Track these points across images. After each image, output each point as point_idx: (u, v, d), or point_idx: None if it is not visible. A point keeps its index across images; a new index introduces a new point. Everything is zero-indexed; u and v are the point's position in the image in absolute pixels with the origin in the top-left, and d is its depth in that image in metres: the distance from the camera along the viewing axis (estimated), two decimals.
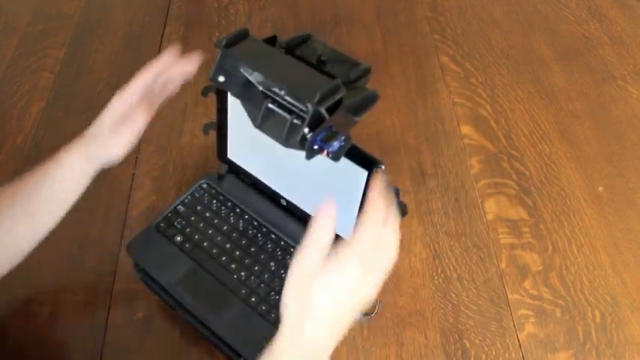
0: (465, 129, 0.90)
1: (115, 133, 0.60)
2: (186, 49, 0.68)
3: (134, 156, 0.85)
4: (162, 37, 1.06)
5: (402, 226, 0.78)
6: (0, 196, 0.59)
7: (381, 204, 0.48)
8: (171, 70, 0.61)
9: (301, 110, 0.52)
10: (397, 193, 0.59)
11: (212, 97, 0.68)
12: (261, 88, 0.55)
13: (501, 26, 1.08)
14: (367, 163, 0.57)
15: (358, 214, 0.60)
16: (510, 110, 0.93)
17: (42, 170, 0.60)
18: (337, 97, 0.50)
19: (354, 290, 0.46)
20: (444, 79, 0.98)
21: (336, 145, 0.52)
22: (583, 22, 1.08)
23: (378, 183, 0.49)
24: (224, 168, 0.74)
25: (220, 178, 0.74)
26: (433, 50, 1.03)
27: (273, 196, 0.70)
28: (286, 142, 0.53)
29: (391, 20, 1.09)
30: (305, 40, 0.59)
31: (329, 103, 0.50)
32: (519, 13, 1.10)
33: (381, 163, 0.56)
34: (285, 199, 0.69)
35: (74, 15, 1.10)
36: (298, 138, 0.51)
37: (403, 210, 0.59)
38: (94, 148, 0.61)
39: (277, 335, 0.45)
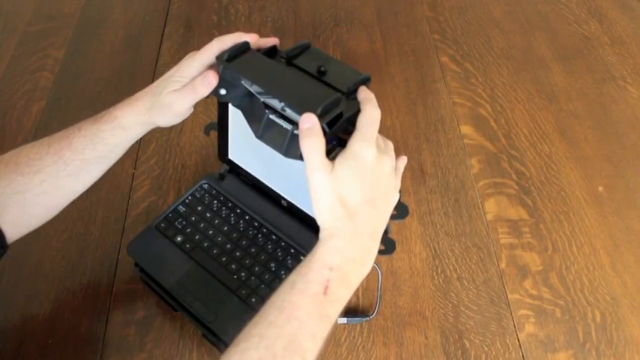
0: (465, 129, 0.90)
1: (171, 108, 0.58)
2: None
3: (134, 156, 0.85)
4: (162, 37, 1.06)
5: (402, 226, 0.78)
6: (47, 152, 0.58)
7: (375, 101, 0.52)
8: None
9: None
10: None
11: (212, 98, 0.68)
12: (262, 99, 0.55)
13: (501, 26, 1.08)
14: None
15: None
16: (510, 110, 0.93)
17: (96, 132, 0.59)
18: (338, 110, 0.51)
19: (375, 172, 0.49)
20: (444, 79, 0.98)
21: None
22: (583, 22, 1.08)
23: (373, 96, 0.53)
24: (225, 168, 0.74)
25: (221, 178, 0.74)
26: (433, 50, 1.03)
27: (273, 197, 0.70)
28: (287, 153, 0.53)
29: (391, 20, 1.09)
30: (304, 49, 0.60)
31: (330, 117, 0.50)
32: (519, 13, 1.10)
33: None
34: (285, 199, 0.69)
35: (74, 15, 1.10)
36: (299, 150, 0.51)
37: (403, 210, 0.59)
38: (150, 117, 0.59)
39: (320, 230, 0.48)
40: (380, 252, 0.64)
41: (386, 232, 0.62)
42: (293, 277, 0.46)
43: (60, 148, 0.58)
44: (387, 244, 0.63)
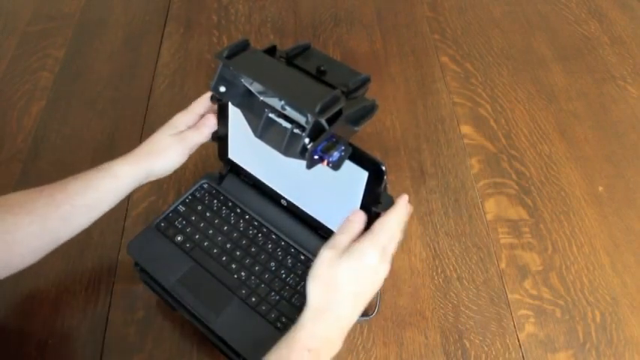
0: (465, 129, 0.90)
1: (169, 150, 0.64)
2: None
3: None
4: (162, 37, 1.06)
5: None
6: (40, 195, 0.59)
7: (404, 215, 0.57)
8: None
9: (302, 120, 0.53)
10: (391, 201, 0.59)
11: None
12: (261, 98, 0.55)
13: (501, 26, 1.08)
14: (367, 163, 0.57)
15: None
16: (510, 110, 0.93)
17: (90, 178, 0.61)
18: (337, 107, 0.51)
19: (371, 275, 0.55)
20: (444, 79, 0.98)
21: (336, 155, 0.53)
22: (583, 22, 1.08)
23: (405, 210, 0.58)
24: (225, 168, 0.74)
25: (221, 178, 0.74)
26: (433, 50, 1.03)
27: (273, 197, 0.70)
28: (286, 152, 0.53)
29: (391, 20, 1.09)
30: (304, 49, 0.60)
31: (329, 114, 0.50)
32: (519, 13, 1.10)
33: (382, 164, 0.56)
34: (285, 199, 0.69)
35: (74, 15, 1.10)
36: (299, 148, 0.51)
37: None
38: (146, 164, 0.63)
39: (304, 310, 0.53)
40: None
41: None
42: (274, 357, 0.51)
43: (53, 192, 0.60)
44: None
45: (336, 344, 0.53)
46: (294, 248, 0.68)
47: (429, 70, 0.99)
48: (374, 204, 0.58)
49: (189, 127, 0.66)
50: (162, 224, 0.70)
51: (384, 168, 0.56)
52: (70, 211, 0.60)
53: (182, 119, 0.66)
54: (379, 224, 0.55)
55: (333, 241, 0.55)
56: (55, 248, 0.61)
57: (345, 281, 0.53)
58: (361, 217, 0.57)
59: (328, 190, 0.63)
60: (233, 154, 0.72)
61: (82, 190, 0.60)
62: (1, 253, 0.57)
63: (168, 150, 0.64)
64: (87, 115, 0.92)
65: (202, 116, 0.67)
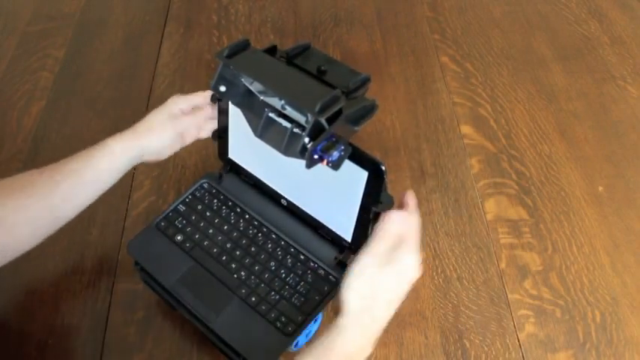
0: (465, 129, 0.90)
1: (164, 132, 0.65)
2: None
3: None
4: (162, 37, 1.06)
5: None
6: (40, 177, 0.60)
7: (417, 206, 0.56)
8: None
9: (301, 120, 0.53)
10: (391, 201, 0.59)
11: None
12: (261, 97, 0.55)
13: (501, 26, 1.08)
14: (367, 163, 0.57)
15: (358, 215, 0.61)
16: (510, 110, 0.93)
17: (87, 157, 0.61)
18: (337, 107, 0.51)
19: (407, 283, 0.54)
20: (444, 79, 0.98)
21: (335, 154, 0.53)
22: (583, 22, 1.08)
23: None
24: (225, 167, 0.74)
25: (221, 177, 0.74)
26: (433, 50, 1.03)
27: (273, 196, 0.70)
28: (286, 152, 0.53)
29: (391, 20, 1.09)
30: (305, 49, 0.60)
31: (329, 113, 0.50)
32: (519, 13, 1.10)
33: (382, 164, 0.56)
34: (285, 198, 0.69)
35: (74, 15, 1.10)
36: (298, 147, 0.51)
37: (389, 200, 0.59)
38: (144, 139, 0.64)
39: (342, 315, 0.52)
40: None
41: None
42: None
43: (52, 173, 0.60)
44: None
45: (368, 349, 0.53)
46: (294, 248, 0.68)
47: (429, 70, 0.99)
48: (374, 204, 0.58)
49: (184, 114, 0.67)
50: (163, 224, 0.70)
51: (383, 168, 0.56)
52: (70, 191, 0.60)
53: (177, 103, 0.66)
54: (408, 228, 0.54)
55: (371, 249, 0.53)
56: (59, 229, 0.62)
57: (385, 289, 0.53)
58: (400, 217, 0.55)
59: (328, 190, 0.63)
60: (233, 154, 0.72)
61: (81, 168, 0.61)
62: (5, 237, 0.57)
63: (163, 131, 0.65)
64: (87, 115, 0.92)
65: (197, 108, 0.68)
